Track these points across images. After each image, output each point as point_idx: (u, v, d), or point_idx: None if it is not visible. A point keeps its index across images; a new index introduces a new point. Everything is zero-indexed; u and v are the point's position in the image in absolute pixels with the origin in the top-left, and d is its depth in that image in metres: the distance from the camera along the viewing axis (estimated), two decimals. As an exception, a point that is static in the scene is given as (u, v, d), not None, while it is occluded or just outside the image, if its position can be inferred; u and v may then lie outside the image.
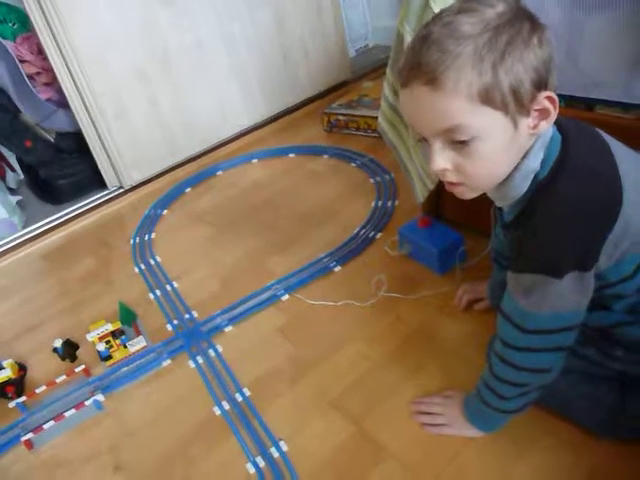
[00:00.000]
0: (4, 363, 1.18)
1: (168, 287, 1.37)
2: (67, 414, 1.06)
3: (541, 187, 0.68)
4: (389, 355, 1.04)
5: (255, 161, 1.90)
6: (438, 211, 1.32)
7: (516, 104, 0.61)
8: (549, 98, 0.63)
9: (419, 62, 0.62)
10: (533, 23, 0.63)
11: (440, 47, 0.61)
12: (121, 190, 1.87)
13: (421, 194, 1.22)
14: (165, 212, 1.71)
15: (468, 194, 0.71)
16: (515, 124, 0.63)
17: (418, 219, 1.25)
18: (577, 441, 0.82)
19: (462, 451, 0.84)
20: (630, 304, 0.74)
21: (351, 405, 0.96)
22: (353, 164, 1.72)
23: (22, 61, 1.76)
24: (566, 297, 0.68)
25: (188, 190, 1.81)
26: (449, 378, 0.96)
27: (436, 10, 1.00)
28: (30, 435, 1.03)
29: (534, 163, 0.68)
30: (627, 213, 0.65)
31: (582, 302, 0.69)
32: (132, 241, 1.60)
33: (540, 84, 0.62)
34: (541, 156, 0.68)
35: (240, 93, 2.01)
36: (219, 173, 1.88)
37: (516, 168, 0.68)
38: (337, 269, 1.29)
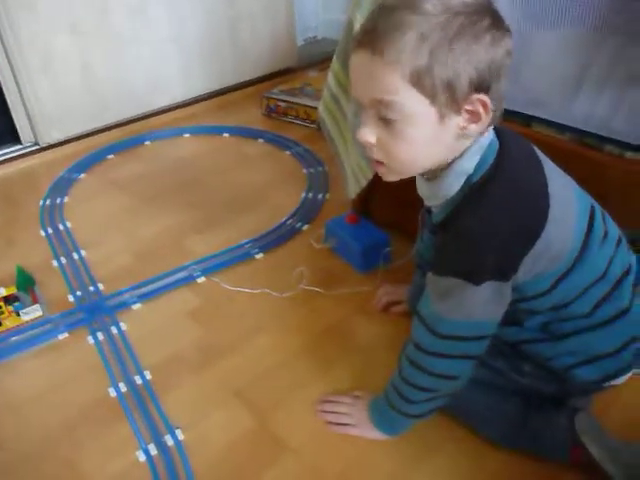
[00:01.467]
0: None
1: (75, 255, 1.28)
2: (-60, 383, 0.96)
3: (471, 191, 0.67)
4: (301, 350, 1.01)
5: (187, 136, 1.82)
6: (368, 210, 1.31)
7: (446, 97, 0.59)
8: (482, 102, 0.61)
9: (373, 28, 0.60)
10: (495, 22, 0.60)
11: (395, 18, 0.59)
12: (36, 147, 1.73)
13: (353, 190, 1.20)
14: (82, 176, 1.60)
15: (388, 176, 0.69)
16: (441, 117, 0.61)
17: (346, 215, 1.23)
18: (477, 449, 0.82)
19: (364, 453, 0.83)
20: (542, 322, 0.75)
21: (256, 397, 0.93)
22: (288, 152, 1.68)
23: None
24: (482, 305, 0.68)
25: (111, 157, 1.70)
26: (360, 378, 0.94)
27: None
28: None
29: (468, 165, 0.67)
30: (550, 231, 0.66)
31: (498, 312, 0.70)
32: (42, 202, 1.48)
33: (479, 85, 0.60)
34: (476, 160, 0.67)
35: (179, 63, 1.92)
36: (147, 143, 1.78)
37: (449, 167, 0.67)
38: (259, 256, 1.25)
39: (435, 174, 0.70)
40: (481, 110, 0.61)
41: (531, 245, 0.66)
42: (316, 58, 2.29)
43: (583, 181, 0.75)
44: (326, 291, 1.14)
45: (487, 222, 0.66)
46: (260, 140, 1.76)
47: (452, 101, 0.60)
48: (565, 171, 0.74)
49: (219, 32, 1.97)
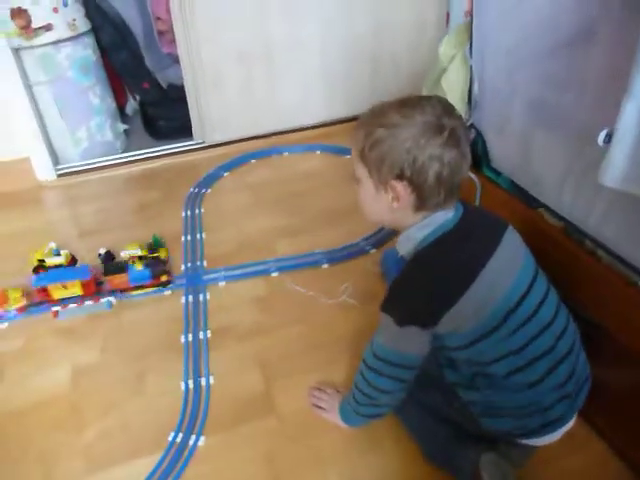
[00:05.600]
0: (62, 252, 1.56)
1: (198, 235, 1.70)
2: (86, 302, 1.43)
3: (415, 255, 0.88)
4: (322, 346, 1.29)
5: (318, 152, 2.16)
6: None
7: (376, 174, 0.84)
8: (395, 187, 0.83)
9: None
10: (436, 136, 0.81)
11: (371, 114, 0.86)
12: (202, 145, 2.22)
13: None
14: (226, 174, 2.04)
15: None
16: (376, 188, 0.85)
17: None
18: (410, 455, 1.03)
19: (329, 435, 1.08)
20: (472, 372, 0.91)
21: (272, 370, 1.23)
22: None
23: (157, 18, 2.14)
24: (405, 342, 0.89)
25: (253, 161, 2.12)
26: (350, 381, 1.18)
27: (444, 86, 1.20)
28: (58, 308, 1.42)
29: (416, 234, 0.88)
30: (466, 302, 0.83)
31: (417, 350, 0.89)
32: (191, 189, 1.94)
33: (400, 174, 0.82)
34: (425, 232, 0.87)
35: (324, 90, 2.26)
36: (285, 154, 2.16)
37: (405, 231, 0.89)
38: (325, 266, 1.54)
39: (402, 231, 0.91)
40: (400, 193, 0.84)
41: (447, 309, 0.83)
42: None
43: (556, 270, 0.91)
44: (361, 306, 1.39)
45: (416, 282, 0.87)
46: (373, 166, 2.02)
47: (378, 179, 0.85)
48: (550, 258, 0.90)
49: (360, 64, 2.26)
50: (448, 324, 0.85)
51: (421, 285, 0.86)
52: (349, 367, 1.22)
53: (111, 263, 1.52)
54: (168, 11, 2.13)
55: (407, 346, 0.90)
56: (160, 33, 2.19)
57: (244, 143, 2.23)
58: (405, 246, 0.91)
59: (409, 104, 0.84)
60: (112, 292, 1.47)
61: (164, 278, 1.48)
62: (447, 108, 0.84)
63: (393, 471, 1.02)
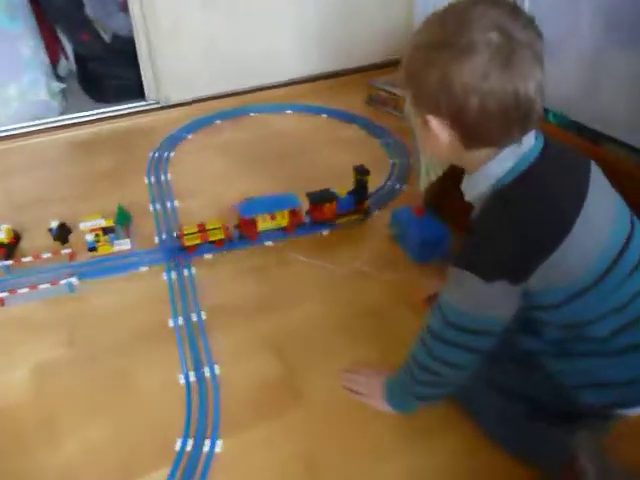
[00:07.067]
0: (1, 227, 1.27)
1: (169, 204, 1.44)
2: (41, 286, 1.15)
3: (496, 194, 0.71)
4: (341, 322, 1.09)
5: (289, 112, 1.94)
6: (438, 207, 1.34)
7: (416, 107, 0.70)
8: (437, 123, 0.68)
9: None
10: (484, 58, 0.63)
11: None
12: (157, 105, 1.93)
13: (423, 182, 1.25)
14: (190, 136, 1.78)
15: None
16: (423, 121, 0.69)
17: (413, 207, 1.28)
18: (472, 442, 0.86)
19: (368, 422, 0.90)
20: (560, 337, 0.76)
21: (290, 353, 1.02)
22: (378, 140, 1.74)
23: (99, -45, 1.82)
24: (490, 302, 0.72)
25: (218, 122, 1.86)
26: (386, 359, 0.98)
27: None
28: (5, 294, 1.13)
29: (496, 169, 0.71)
30: (569, 247, 0.67)
31: (504, 312, 0.73)
32: (151, 154, 1.67)
33: (436, 109, 0.67)
34: (507, 166, 0.70)
35: (296, 43, 2.03)
36: (252, 114, 1.92)
37: (479, 168, 0.72)
38: (325, 232, 1.34)
39: (470, 172, 0.74)
40: (434, 127, 0.68)
41: (545, 256, 0.68)
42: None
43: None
44: (378, 273, 1.20)
45: (505, 226, 0.69)
46: (355, 125, 1.83)
47: (419, 113, 0.70)
48: (626, 194, 0.75)
49: (335, 18, 2.05)
50: (543, 277, 0.69)
51: (511, 228, 0.69)
52: (381, 343, 1.03)
53: (316, 192, 1.34)
54: (110, -52, 1.83)
55: (491, 307, 0.73)
56: (102, -27, 1.88)
57: (205, 103, 1.96)
58: (477, 187, 0.74)
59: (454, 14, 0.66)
60: (316, 223, 1.33)
61: (366, 204, 1.37)
62: (505, 15, 0.64)
63: (453, 462, 0.85)
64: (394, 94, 1.88)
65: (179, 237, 1.25)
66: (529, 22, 0.65)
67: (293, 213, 1.30)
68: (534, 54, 0.64)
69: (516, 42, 0.62)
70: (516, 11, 0.65)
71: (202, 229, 1.24)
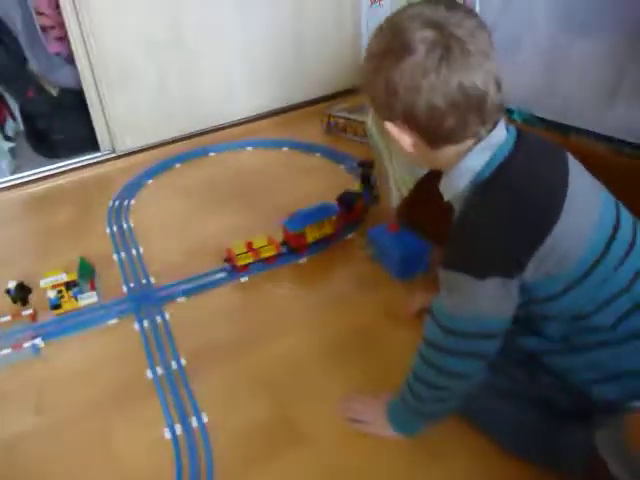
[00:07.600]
0: (-45, 294, 1.18)
1: (134, 251, 1.37)
2: (3, 352, 1.06)
3: (479, 187, 0.68)
4: (328, 348, 1.03)
5: (249, 149, 1.91)
6: (412, 222, 1.31)
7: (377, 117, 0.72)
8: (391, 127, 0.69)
9: None
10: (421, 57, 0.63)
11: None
12: (112, 155, 1.87)
13: (395, 198, 1.23)
14: (150, 182, 1.72)
15: None
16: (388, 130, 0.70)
17: (388, 224, 1.25)
18: (488, 457, 0.81)
19: (377, 451, 0.84)
20: (563, 332, 0.73)
21: (280, 390, 0.96)
22: (342, 166, 1.72)
23: (39, 13, 1.79)
24: (487, 301, 0.68)
25: (177, 165, 1.81)
26: (381, 380, 0.94)
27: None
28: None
29: (473, 163, 0.69)
30: (559, 232, 0.65)
31: (504, 310, 0.69)
32: (111, 203, 1.60)
33: (391, 114, 0.68)
34: (485, 158, 0.68)
35: (248, 80, 2.02)
36: (211, 154, 1.88)
37: (456, 164, 0.69)
38: (302, 261, 1.29)
39: (446, 172, 0.72)
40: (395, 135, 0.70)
41: (536, 246, 0.65)
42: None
43: (619, 191, 0.74)
44: (360, 294, 1.16)
45: (491, 218, 0.67)
46: (317, 154, 1.82)
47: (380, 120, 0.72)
48: (603, 181, 0.73)
49: (285, 53, 2.06)
50: (538, 267, 0.67)
51: (498, 220, 0.67)
52: (377, 366, 0.98)
53: (342, 194, 1.40)
54: (51, 5, 1.79)
55: (488, 306, 0.69)
56: (44, 30, 1.83)
57: (162, 148, 1.91)
58: (455, 184, 0.72)
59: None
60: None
61: (375, 192, 1.43)
62: (441, 10, 0.63)
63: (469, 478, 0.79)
64: (351, 119, 1.88)
65: (229, 259, 1.22)
66: (467, 14, 0.64)
67: (337, 219, 1.32)
68: (476, 45, 0.62)
69: (453, 36, 0.61)
70: (452, 5, 0.65)
71: (251, 248, 1.21)
